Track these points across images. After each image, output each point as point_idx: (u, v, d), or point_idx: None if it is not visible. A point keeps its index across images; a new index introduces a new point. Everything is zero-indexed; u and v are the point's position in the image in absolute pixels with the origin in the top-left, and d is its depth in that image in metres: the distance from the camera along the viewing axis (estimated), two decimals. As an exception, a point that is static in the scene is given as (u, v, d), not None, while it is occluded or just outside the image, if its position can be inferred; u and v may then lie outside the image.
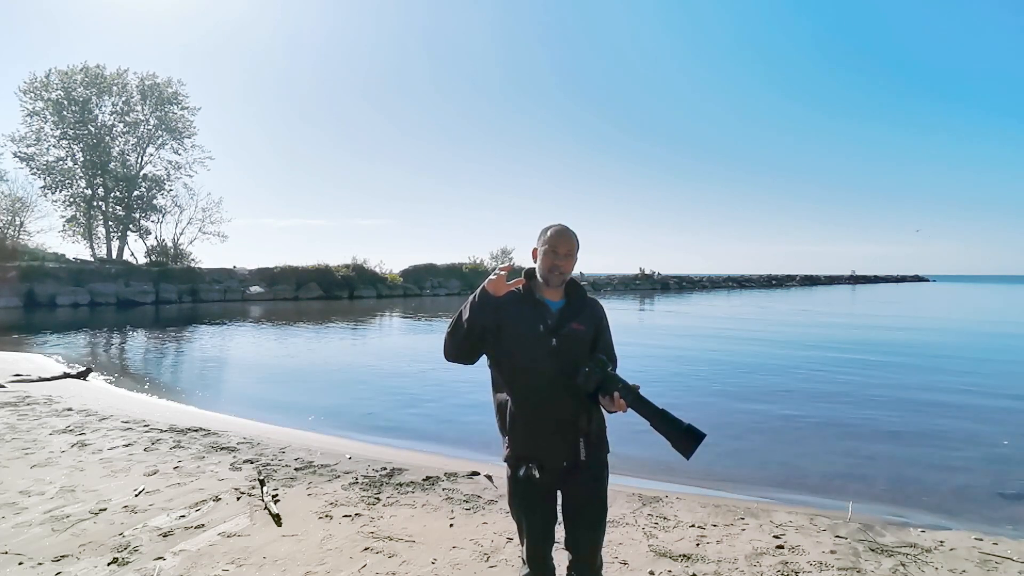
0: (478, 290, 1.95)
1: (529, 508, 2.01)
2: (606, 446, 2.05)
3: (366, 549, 3.25)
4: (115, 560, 3.03)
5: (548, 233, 2.04)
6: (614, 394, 1.81)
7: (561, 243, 2.02)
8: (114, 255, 34.86)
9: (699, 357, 12.24)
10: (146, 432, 5.73)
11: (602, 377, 1.85)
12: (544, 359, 1.94)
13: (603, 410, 1.98)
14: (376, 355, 13.10)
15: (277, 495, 4.06)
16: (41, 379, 8.63)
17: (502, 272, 1.92)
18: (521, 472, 1.97)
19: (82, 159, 33.83)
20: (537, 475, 1.94)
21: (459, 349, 1.99)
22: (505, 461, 2.04)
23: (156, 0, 73.18)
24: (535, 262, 2.08)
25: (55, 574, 2.88)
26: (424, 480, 4.50)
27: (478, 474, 4.68)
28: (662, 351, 13.02)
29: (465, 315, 1.94)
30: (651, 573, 3.05)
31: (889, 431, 6.51)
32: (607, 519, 2.07)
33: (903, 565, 3.19)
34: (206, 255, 70.29)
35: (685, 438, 1.77)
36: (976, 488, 4.78)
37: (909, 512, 4.21)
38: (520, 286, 2.00)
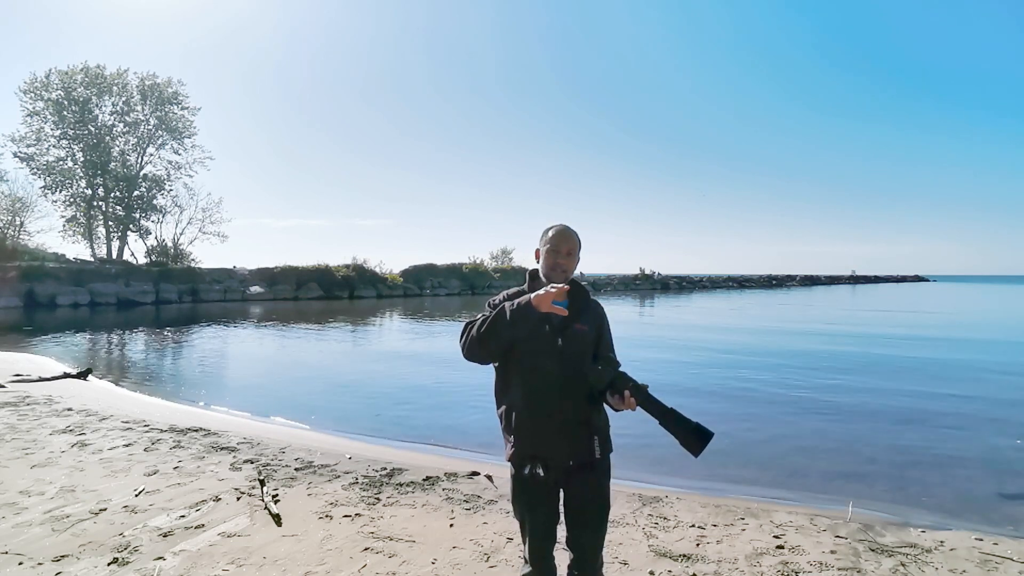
0: (522, 301, 1.87)
1: (532, 507, 2.02)
2: (610, 446, 2.06)
3: (366, 549, 3.25)
4: (115, 560, 3.03)
5: (550, 233, 2.06)
6: (624, 392, 1.83)
7: (563, 242, 2.04)
8: (114, 255, 34.89)
9: (699, 357, 12.24)
10: (146, 432, 5.73)
11: (613, 375, 1.87)
12: (550, 359, 1.95)
13: (609, 408, 1.98)
14: (376, 355, 13.10)
15: (277, 495, 4.06)
16: (41, 379, 8.63)
17: (553, 290, 1.84)
18: (526, 471, 1.98)
19: (82, 159, 33.83)
20: (542, 474, 1.96)
21: (487, 354, 1.95)
22: (509, 460, 2.04)
23: (156, 0, 73.30)
24: (538, 262, 2.10)
25: (55, 574, 2.88)
26: (424, 480, 4.49)
27: (478, 474, 4.68)
28: (662, 351, 13.02)
29: (504, 323, 1.87)
30: (651, 573, 3.05)
31: (889, 431, 6.51)
32: (608, 519, 2.08)
33: (903, 565, 3.19)
34: (206, 255, 70.38)
35: (693, 437, 1.79)
36: (976, 488, 4.78)
37: (909, 512, 4.21)
38: (560, 313, 1.89)
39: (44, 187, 33.06)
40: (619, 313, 25.40)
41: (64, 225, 34.26)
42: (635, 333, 17.00)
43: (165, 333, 16.78)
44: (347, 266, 36.69)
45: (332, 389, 9.02)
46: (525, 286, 2.10)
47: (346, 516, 3.71)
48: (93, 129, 33.90)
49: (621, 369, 1.90)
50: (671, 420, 1.81)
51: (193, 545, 3.24)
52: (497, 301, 2.06)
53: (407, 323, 21.41)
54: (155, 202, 36.17)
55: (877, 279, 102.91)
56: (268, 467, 4.71)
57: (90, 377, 9.18)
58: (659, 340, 15.15)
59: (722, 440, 6.07)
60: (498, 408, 2.08)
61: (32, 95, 32.56)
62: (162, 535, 3.35)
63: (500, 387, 2.08)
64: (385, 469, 4.75)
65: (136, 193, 35.53)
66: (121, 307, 26.57)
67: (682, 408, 1.82)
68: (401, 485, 4.37)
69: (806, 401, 8.05)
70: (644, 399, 1.83)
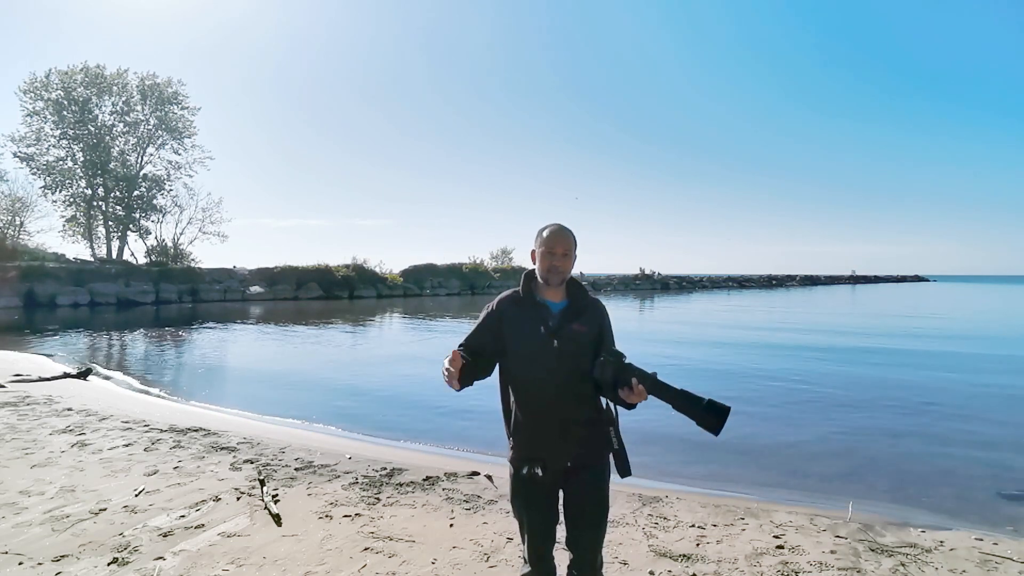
0: (444, 374, 1.85)
1: (531, 507, 2.02)
2: (610, 446, 2.03)
3: (366, 549, 3.25)
4: (115, 560, 3.03)
5: (544, 234, 2.04)
6: (632, 382, 1.77)
7: (558, 243, 2.01)
8: (114, 255, 34.85)
9: (699, 358, 12.23)
10: (146, 432, 5.73)
11: (617, 367, 1.82)
12: (547, 361, 1.94)
13: (621, 407, 1.91)
14: (376, 355, 13.09)
15: (277, 495, 4.06)
16: (41, 379, 8.62)
17: (450, 369, 1.82)
18: (524, 471, 1.98)
19: (82, 159, 33.79)
20: (540, 475, 1.95)
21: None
22: (510, 461, 2.05)
23: (156, 0, 73.32)
24: (534, 264, 2.08)
25: (55, 574, 2.88)
26: (424, 480, 4.49)
27: (478, 474, 4.68)
28: (663, 352, 13.01)
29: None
30: (651, 573, 3.05)
31: (889, 431, 6.51)
32: (607, 519, 2.08)
33: (903, 565, 3.19)
34: (206, 255, 70.13)
35: (710, 415, 1.73)
36: (976, 488, 4.78)
37: (909, 512, 4.21)
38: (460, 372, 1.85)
39: (44, 187, 33.06)
40: (617, 317, 25.38)
41: (64, 225, 34.28)
42: (636, 334, 16.97)
43: (165, 333, 16.78)
44: (347, 266, 36.67)
45: (332, 389, 9.01)
46: (520, 289, 2.08)
47: (346, 516, 3.71)
48: (93, 129, 33.85)
49: (627, 361, 1.84)
50: (684, 402, 1.75)
51: (193, 545, 3.24)
52: (493, 306, 2.07)
53: (407, 323, 21.40)
54: (155, 202, 36.15)
55: (877, 279, 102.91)
56: (268, 467, 4.71)
57: (90, 377, 9.18)
58: (660, 341, 15.13)
59: (722, 440, 6.07)
60: (502, 410, 2.08)
61: (32, 95, 32.52)
62: (162, 535, 3.35)
63: (502, 389, 2.08)
64: (385, 469, 4.75)
65: (136, 193, 35.48)
66: (121, 307, 26.55)
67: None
68: (401, 485, 4.36)
69: (806, 401, 8.05)
70: (652, 385, 1.77)
